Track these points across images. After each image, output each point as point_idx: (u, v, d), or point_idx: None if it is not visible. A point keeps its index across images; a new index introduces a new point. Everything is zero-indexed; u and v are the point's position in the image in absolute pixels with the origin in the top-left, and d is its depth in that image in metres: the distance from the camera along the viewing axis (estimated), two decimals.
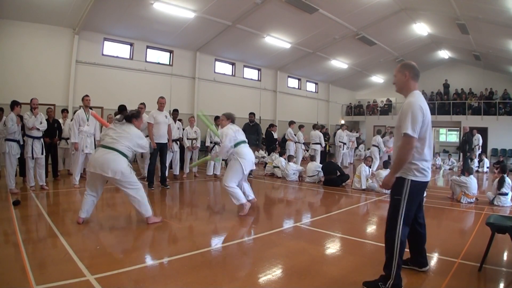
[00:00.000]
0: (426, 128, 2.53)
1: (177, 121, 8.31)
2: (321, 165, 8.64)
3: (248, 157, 4.92)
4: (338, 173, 8.04)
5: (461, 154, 11.12)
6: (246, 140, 5.16)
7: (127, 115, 4.28)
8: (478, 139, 13.52)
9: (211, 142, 8.65)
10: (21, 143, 6.08)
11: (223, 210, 5.56)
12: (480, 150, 13.52)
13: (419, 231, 2.85)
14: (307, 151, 13.10)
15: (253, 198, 5.27)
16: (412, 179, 2.53)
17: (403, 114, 2.52)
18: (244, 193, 5.02)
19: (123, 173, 3.97)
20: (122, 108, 7.53)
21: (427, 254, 2.95)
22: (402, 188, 2.55)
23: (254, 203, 5.31)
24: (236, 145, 4.93)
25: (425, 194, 6.68)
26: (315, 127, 11.94)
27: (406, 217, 2.54)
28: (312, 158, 9.28)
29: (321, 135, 11.58)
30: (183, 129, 8.53)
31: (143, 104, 7.65)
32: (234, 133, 4.96)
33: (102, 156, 3.96)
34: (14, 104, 5.95)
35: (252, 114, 9.22)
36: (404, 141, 2.47)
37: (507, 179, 6.03)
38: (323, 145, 11.48)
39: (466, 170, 6.83)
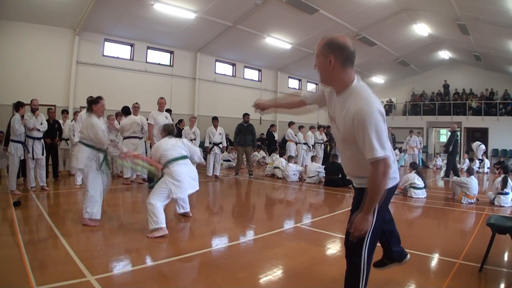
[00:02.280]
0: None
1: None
2: (322, 166, 8.65)
3: (181, 178, 3.96)
4: (340, 175, 8.03)
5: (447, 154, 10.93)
6: (183, 156, 4.17)
7: (88, 105, 4.36)
8: (475, 146, 13.44)
9: (210, 143, 8.63)
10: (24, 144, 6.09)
11: (223, 211, 5.57)
12: (481, 153, 13.48)
13: (388, 229, 2.34)
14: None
15: (188, 212, 4.60)
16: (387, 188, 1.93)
17: (359, 127, 1.71)
18: (181, 205, 4.51)
19: (84, 163, 4.10)
20: (125, 110, 7.52)
21: (426, 254, 2.93)
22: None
23: (189, 216, 4.65)
24: (168, 163, 4.02)
25: (425, 195, 6.72)
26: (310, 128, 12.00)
27: (375, 233, 1.97)
28: (313, 159, 9.28)
29: (310, 134, 11.58)
30: (181, 130, 8.48)
31: (137, 103, 7.65)
32: (164, 149, 4.10)
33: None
34: (19, 105, 5.96)
35: (247, 115, 9.22)
36: (378, 166, 1.71)
37: (509, 180, 6.04)
38: (309, 145, 11.46)
39: (466, 171, 6.83)
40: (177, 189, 3.94)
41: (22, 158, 6.04)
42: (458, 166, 13.27)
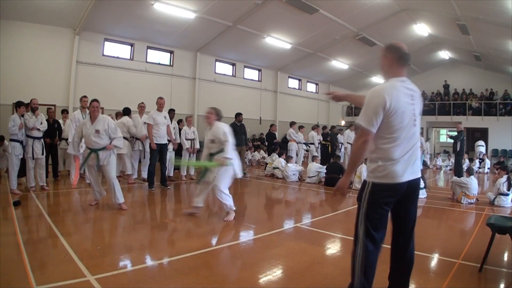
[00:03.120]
0: (394, 123, 2.07)
1: (173, 121, 8.05)
2: (323, 166, 8.65)
3: (237, 161, 4.69)
4: (341, 175, 8.03)
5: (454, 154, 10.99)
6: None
7: None
8: (476, 146, 13.45)
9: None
10: (24, 143, 6.08)
11: (223, 211, 5.56)
12: (479, 153, 13.47)
13: (401, 257, 2.25)
14: (307, 151, 13.11)
15: (200, 207, 4.83)
16: (373, 181, 2.13)
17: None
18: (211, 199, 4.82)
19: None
20: (126, 110, 7.56)
21: (426, 254, 2.94)
22: (362, 192, 2.17)
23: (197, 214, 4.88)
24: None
25: (425, 195, 6.72)
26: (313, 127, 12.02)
27: (368, 227, 2.09)
28: (314, 159, 9.27)
29: (315, 135, 11.61)
30: (180, 129, 8.44)
31: (143, 103, 7.68)
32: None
33: None
34: (18, 105, 5.93)
35: (240, 115, 9.25)
36: (358, 132, 2.12)
37: None
38: (316, 145, 11.51)
39: (466, 171, 6.82)
40: (239, 170, 4.73)
41: (21, 157, 6.03)
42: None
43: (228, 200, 4.60)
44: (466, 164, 11.88)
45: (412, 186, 2.16)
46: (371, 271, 2.09)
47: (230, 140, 4.49)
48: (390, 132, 2.08)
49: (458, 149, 9.97)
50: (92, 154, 4.90)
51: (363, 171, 7.44)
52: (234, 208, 4.69)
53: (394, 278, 2.27)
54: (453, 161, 14.05)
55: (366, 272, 2.07)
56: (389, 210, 2.15)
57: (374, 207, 2.10)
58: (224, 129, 4.53)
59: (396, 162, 2.08)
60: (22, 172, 6.72)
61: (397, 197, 2.12)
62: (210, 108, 4.76)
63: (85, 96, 6.86)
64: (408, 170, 2.10)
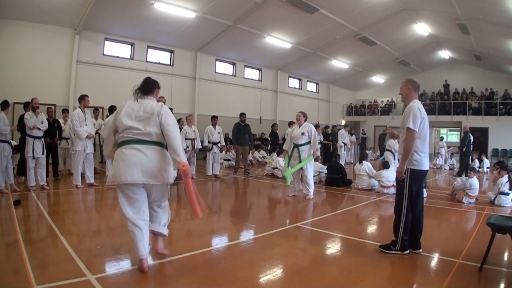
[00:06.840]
0: (423, 127, 3.22)
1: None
2: (323, 166, 8.64)
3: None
4: (341, 175, 8.04)
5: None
6: None
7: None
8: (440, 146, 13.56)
9: (209, 142, 8.61)
10: (12, 144, 6.03)
11: (223, 210, 5.57)
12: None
13: (418, 217, 3.36)
14: None
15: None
16: (411, 168, 3.23)
17: (405, 114, 3.25)
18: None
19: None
20: (112, 108, 7.30)
21: (426, 254, 2.95)
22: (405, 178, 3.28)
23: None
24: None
25: (425, 195, 6.71)
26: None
27: (410, 197, 3.24)
28: (315, 159, 9.25)
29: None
30: (181, 129, 8.40)
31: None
32: None
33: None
34: (2, 105, 5.89)
35: (243, 115, 9.28)
36: (408, 132, 3.18)
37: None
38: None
39: (467, 170, 6.81)
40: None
41: (9, 156, 5.93)
42: (458, 165, 13.28)
43: (311, 186, 6.26)
44: (476, 164, 11.88)
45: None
46: (408, 229, 3.26)
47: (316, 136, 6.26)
48: (422, 133, 3.22)
49: (464, 150, 10.07)
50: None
51: (365, 168, 7.49)
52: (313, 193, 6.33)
53: (413, 232, 3.39)
54: (454, 160, 14.13)
55: (405, 230, 3.25)
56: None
57: (415, 188, 3.27)
58: (312, 127, 6.36)
59: (425, 154, 3.25)
60: (22, 171, 6.73)
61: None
62: (300, 112, 6.65)
63: (87, 96, 6.71)
64: (427, 161, 3.29)
